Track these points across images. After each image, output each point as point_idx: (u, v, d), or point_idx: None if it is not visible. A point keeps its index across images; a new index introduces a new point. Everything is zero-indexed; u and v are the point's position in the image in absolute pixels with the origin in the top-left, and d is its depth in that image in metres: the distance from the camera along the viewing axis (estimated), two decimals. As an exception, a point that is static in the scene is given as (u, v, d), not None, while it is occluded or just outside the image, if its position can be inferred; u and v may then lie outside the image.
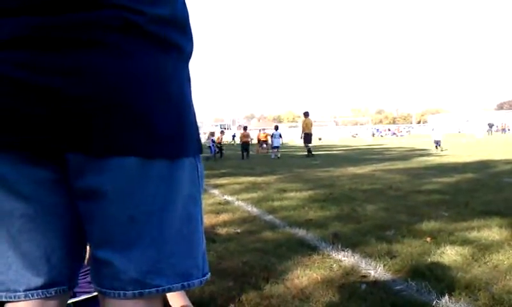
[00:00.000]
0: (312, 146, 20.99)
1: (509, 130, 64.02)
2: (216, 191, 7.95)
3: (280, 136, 21.00)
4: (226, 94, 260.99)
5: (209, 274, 1.10)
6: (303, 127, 20.91)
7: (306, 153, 19.96)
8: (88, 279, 1.98)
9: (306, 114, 20.98)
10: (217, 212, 5.69)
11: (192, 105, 1.06)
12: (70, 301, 2.00)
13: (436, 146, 21.59)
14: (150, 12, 0.94)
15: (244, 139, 21.71)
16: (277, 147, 20.23)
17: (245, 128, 24.64)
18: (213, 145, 21.12)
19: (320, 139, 51.86)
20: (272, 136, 21.60)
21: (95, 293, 1.97)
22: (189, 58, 1.07)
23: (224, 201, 6.77)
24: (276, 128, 21.70)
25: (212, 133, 23.34)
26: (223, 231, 4.66)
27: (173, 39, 0.99)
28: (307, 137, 20.36)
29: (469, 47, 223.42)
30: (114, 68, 0.90)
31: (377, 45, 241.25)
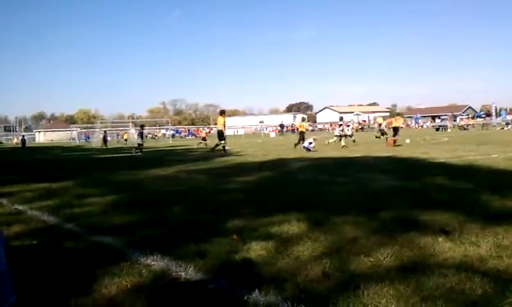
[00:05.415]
0: (115, 149, 20.36)
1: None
2: (3, 200, 7.07)
3: None
4: (6, 89, 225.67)
5: None
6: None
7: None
8: None
9: (220, 112, 22.45)
10: (8, 223, 5.05)
11: None
12: None
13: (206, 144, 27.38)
14: None
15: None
16: None
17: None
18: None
19: (126, 140, 50.68)
20: None
21: None
22: None
23: (15, 211, 6.08)
24: None
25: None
26: (16, 244, 4.16)
27: None
28: (219, 134, 21.51)
29: (262, 50, 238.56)
30: None
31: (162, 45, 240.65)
